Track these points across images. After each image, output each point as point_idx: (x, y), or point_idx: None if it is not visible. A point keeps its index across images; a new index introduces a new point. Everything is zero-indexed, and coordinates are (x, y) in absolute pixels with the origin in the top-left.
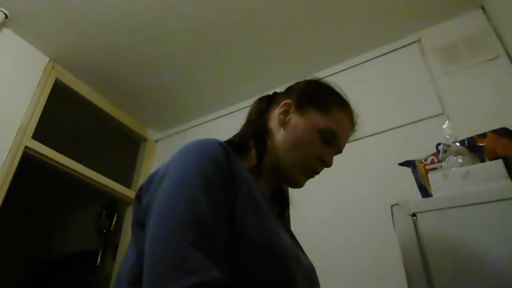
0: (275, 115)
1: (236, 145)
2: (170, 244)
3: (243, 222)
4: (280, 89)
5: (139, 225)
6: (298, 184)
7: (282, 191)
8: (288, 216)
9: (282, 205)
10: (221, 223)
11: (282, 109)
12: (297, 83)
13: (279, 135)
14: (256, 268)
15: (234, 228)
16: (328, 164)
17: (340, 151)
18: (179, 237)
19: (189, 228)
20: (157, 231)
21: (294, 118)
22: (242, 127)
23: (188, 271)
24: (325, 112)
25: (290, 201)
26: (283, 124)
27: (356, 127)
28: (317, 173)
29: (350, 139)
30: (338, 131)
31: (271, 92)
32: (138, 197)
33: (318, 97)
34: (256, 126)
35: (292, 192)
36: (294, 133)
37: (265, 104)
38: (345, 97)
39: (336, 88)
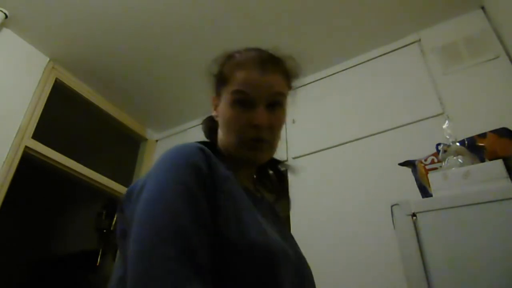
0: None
1: (212, 145)
2: (150, 260)
3: (226, 225)
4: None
5: (125, 236)
6: (256, 160)
7: (268, 177)
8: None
9: (275, 192)
10: (202, 229)
11: (213, 105)
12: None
13: (219, 128)
14: (242, 269)
15: (217, 232)
16: (260, 124)
17: (270, 103)
18: (159, 252)
19: (170, 241)
20: (138, 246)
21: (219, 106)
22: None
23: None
24: (228, 82)
25: (283, 187)
26: (216, 116)
27: (268, 64)
28: (260, 139)
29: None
30: (242, 87)
31: None
32: (121, 209)
33: (222, 75)
34: (207, 127)
35: (293, 193)
36: (222, 118)
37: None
38: (242, 51)
39: (233, 52)
